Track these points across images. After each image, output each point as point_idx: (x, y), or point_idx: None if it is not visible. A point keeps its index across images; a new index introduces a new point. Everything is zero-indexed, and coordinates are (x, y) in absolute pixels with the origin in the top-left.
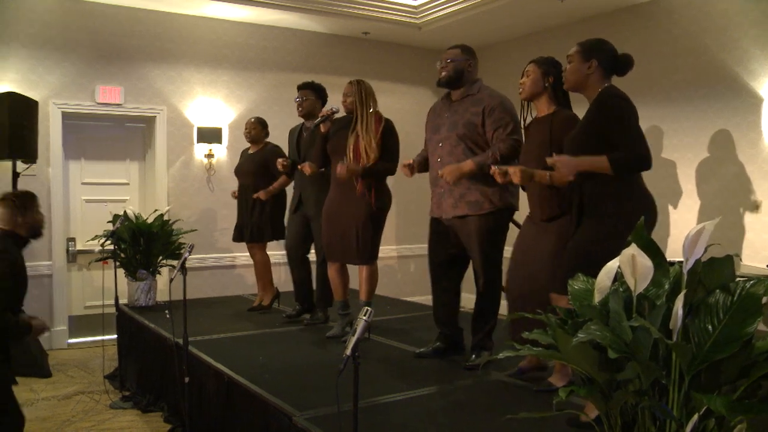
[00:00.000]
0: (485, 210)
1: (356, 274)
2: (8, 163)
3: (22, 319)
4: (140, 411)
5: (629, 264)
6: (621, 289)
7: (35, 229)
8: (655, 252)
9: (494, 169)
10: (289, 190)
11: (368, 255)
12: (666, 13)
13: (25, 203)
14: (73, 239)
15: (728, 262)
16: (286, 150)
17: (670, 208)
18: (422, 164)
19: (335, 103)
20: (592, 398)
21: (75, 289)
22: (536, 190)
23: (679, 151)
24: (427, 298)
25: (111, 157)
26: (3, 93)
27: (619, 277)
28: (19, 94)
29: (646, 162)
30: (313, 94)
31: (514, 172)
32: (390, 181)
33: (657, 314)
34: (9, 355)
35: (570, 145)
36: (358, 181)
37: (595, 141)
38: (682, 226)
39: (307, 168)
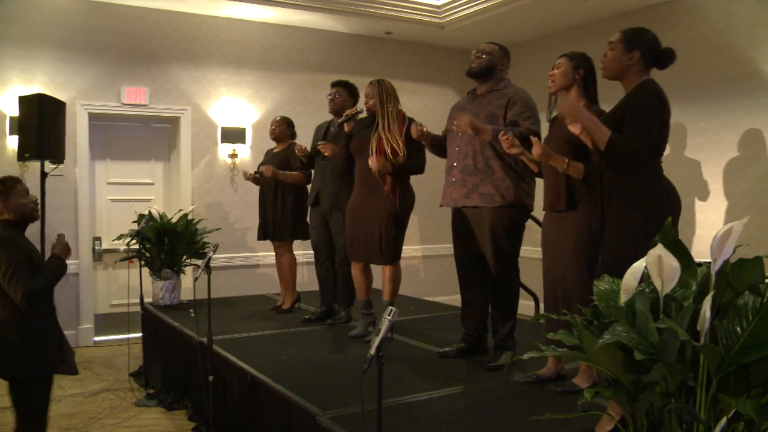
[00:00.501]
0: (496, 203)
1: (379, 274)
2: (37, 164)
3: (48, 263)
4: (165, 409)
5: (656, 264)
6: (647, 290)
7: (22, 214)
8: (682, 252)
9: (503, 134)
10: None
11: (391, 255)
12: (693, 10)
13: (4, 189)
14: (99, 238)
15: (757, 263)
16: (309, 147)
17: (696, 207)
18: (434, 141)
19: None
20: (617, 400)
21: (101, 288)
22: (552, 179)
23: (705, 150)
24: (450, 299)
25: (136, 157)
26: (32, 95)
27: (645, 278)
28: (48, 96)
29: (638, 160)
30: (345, 91)
31: (536, 143)
32: (414, 181)
33: (684, 316)
34: (58, 345)
35: None
36: (387, 179)
37: (619, 130)
38: (708, 226)
39: (328, 149)
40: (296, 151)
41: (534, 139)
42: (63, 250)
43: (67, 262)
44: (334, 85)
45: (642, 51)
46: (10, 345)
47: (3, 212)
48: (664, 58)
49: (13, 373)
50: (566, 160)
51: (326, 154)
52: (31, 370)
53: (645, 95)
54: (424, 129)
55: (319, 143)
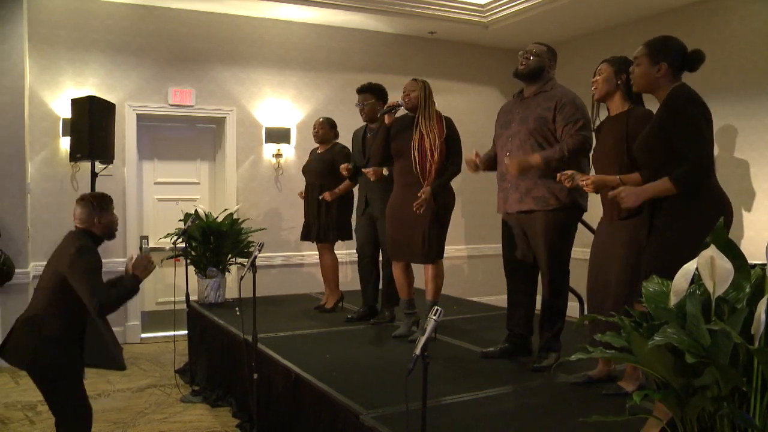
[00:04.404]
0: (551, 206)
1: (422, 274)
2: (87, 164)
3: (125, 281)
4: (209, 405)
5: (708, 266)
6: (698, 292)
7: (109, 230)
8: (735, 254)
9: (560, 176)
10: (356, 192)
11: (434, 254)
12: (742, 4)
13: (102, 204)
14: (146, 237)
15: None
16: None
17: (744, 208)
18: (488, 162)
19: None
20: (667, 403)
21: (147, 286)
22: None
23: (757, 149)
24: (494, 299)
25: (182, 157)
26: (84, 97)
27: (696, 280)
28: (99, 98)
29: (706, 173)
30: (372, 96)
31: (587, 184)
32: (458, 181)
33: (737, 318)
34: (82, 345)
35: (639, 147)
36: (429, 177)
37: (664, 145)
38: (759, 227)
39: (371, 174)
40: (344, 173)
41: (583, 181)
42: (143, 270)
43: (116, 260)
44: (359, 92)
45: (669, 61)
46: (31, 340)
47: (93, 225)
48: (692, 61)
49: (26, 366)
50: (618, 178)
51: (372, 179)
52: (44, 365)
53: (680, 104)
54: (477, 157)
55: (363, 169)
